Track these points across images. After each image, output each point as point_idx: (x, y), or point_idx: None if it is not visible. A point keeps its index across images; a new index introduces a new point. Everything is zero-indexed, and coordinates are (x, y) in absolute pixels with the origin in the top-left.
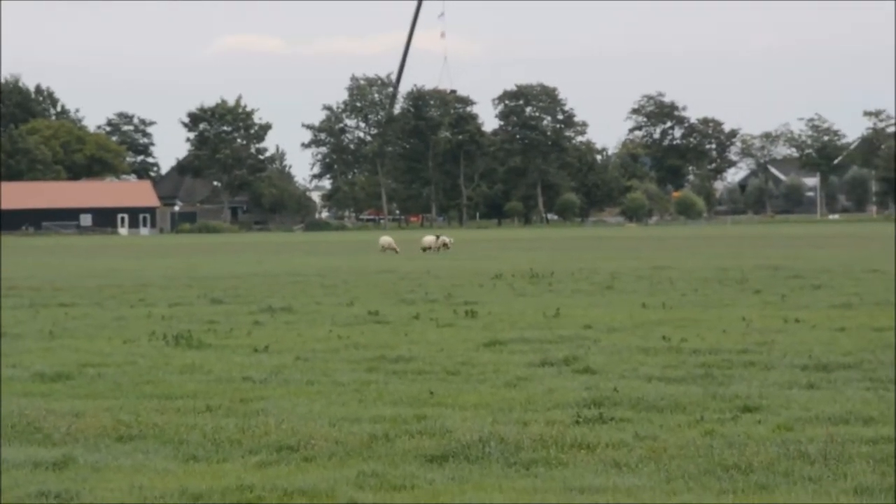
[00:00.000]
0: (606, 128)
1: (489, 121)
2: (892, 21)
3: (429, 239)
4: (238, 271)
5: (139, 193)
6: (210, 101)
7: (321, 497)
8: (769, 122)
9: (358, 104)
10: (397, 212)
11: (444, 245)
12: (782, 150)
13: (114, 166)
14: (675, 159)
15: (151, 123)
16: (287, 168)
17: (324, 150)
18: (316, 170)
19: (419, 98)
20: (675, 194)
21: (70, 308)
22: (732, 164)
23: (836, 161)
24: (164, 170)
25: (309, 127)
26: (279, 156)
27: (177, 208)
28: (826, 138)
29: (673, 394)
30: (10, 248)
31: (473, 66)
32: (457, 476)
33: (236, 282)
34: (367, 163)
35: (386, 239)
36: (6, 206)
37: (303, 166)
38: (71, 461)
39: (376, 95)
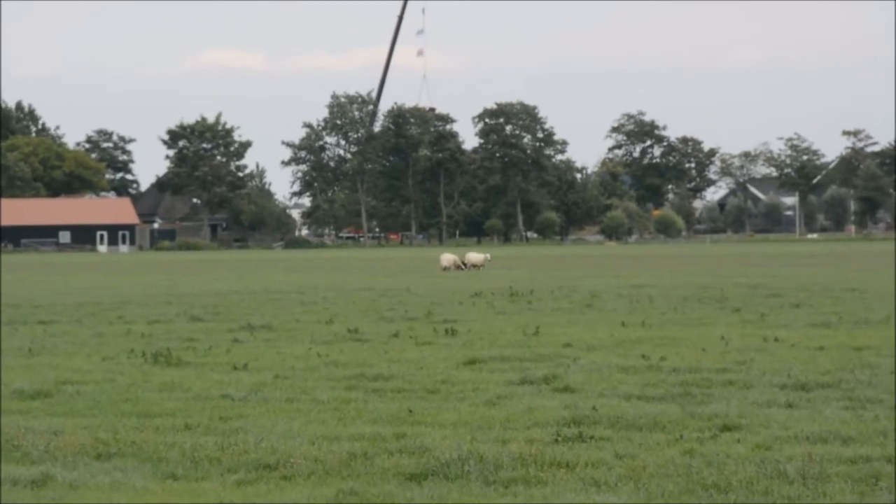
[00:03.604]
0: (586, 146)
1: (469, 139)
2: (869, 40)
3: (449, 258)
4: (217, 289)
5: (118, 211)
6: (190, 119)
7: None
8: (748, 141)
9: (338, 122)
10: (377, 230)
11: (472, 265)
12: (761, 170)
13: (93, 183)
14: (655, 178)
15: (131, 140)
16: (267, 185)
17: (304, 167)
18: (296, 187)
19: (399, 116)
20: (655, 213)
21: (49, 325)
22: (712, 182)
23: (814, 180)
24: (144, 187)
25: (289, 144)
26: (259, 173)
27: (156, 225)
28: (805, 158)
29: (652, 412)
30: None
31: (453, 84)
32: (436, 494)
33: (216, 299)
34: (347, 180)
35: (448, 257)
36: None
37: (283, 184)
38: (49, 479)
39: (356, 113)
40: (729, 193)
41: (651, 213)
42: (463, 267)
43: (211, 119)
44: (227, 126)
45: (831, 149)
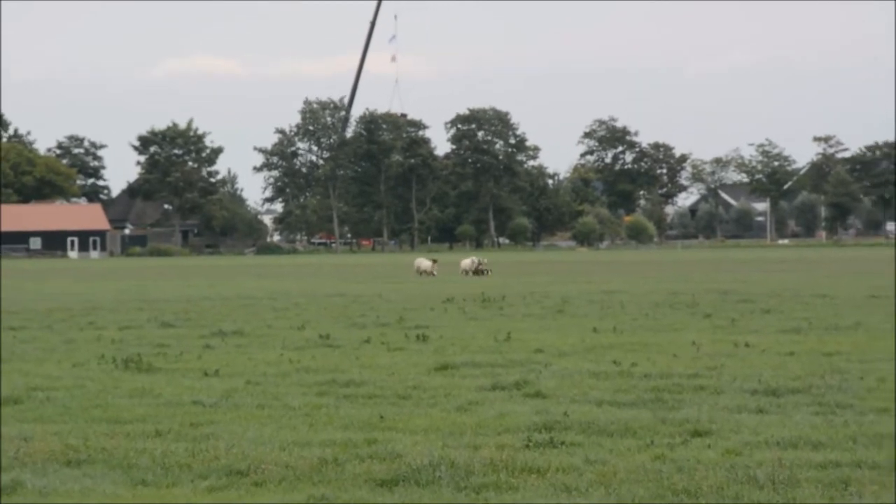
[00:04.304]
0: (558, 152)
1: (441, 144)
2: (841, 45)
3: (466, 262)
4: (189, 294)
5: (89, 216)
6: (161, 124)
7: None
8: (719, 147)
9: (310, 127)
10: (349, 235)
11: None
12: (732, 176)
13: (64, 189)
14: (627, 184)
15: (102, 146)
16: (239, 191)
17: (276, 173)
18: (268, 193)
19: (371, 122)
20: (627, 219)
21: (19, 331)
22: (683, 188)
23: (785, 186)
24: (115, 193)
25: (261, 150)
26: (231, 179)
27: (127, 231)
28: (776, 164)
29: (623, 418)
30: None
31: (425, 90)
32: (407, 500)
33: (187, 305)
34: (319, 186)
35: (425, 262)
36: None
37: (254, 190)
38: (19, 486)
39: (329, 119)
40: (700, 199)
41: (622, 219)
42: (480, 272)
43: (182, 125)
44: (199, 132)
45: (802, 155)
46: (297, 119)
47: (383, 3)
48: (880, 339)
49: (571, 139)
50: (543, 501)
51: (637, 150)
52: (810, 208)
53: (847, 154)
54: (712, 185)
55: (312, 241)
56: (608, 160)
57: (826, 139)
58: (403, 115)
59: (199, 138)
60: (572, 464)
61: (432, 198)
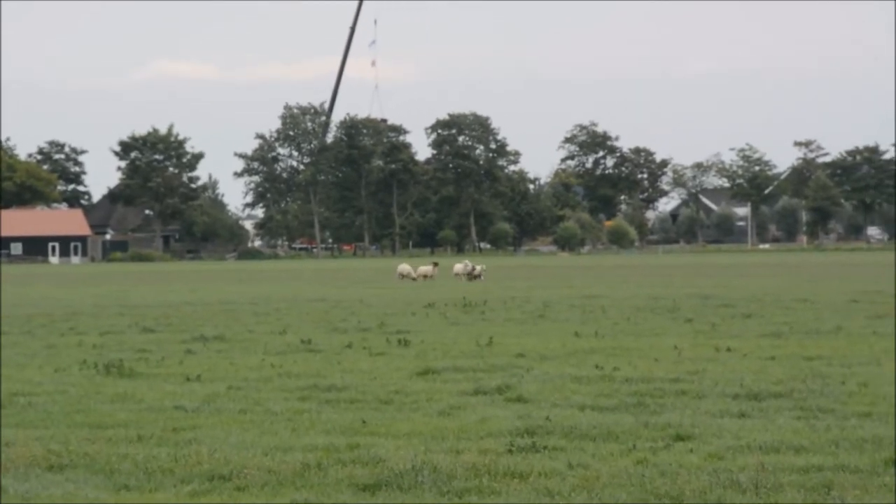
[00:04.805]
0: (539, 157)
1: (422, 150)
2: (820, 49)
3: (459, 267)
4: (170, 300)
5: (70, 222)
6: (142, 130)
7: None
8: (700, 152)
9: (291, 133)
10: (330, 240)
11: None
12: (713, 180)
13: (45, 195)
14: (608, 189)
15: (83, 152)
16: (219, 197)
17: (256, 178)
18: (249, 198)
19: (352, 127)
20: (608, 223)
21: None
22: (664, 193)
23: (766, 191)
24: (96, 198)
25: (241, 156)
26: (211, 184)
27: (108, 237)
28: (757, 168)
29: (605, 422)
30: None
31: (405, 95)
32: None
33: (168, 310)
34: (300, 191)
35: (405, 267)
36: None
37: (235, 195)
38: (1, 491)
39: (309, 124)
40: (681, 204)
41: (603, 224)
42: (473, 277)
43: (163, 130)
44: (180, 137)
45: (783, 159)
46: (278, 124)
47: (363, 7)
48: (861, 343)
49: (552, 144)
50: None
51: (618, 154)
52: (791, 213)
53: (828, 158)
54: (693, 190)
55: (293, 246)
56: (589, 165)
57: (807, 144)
58: (384, 121)
59: (180, 144)
60: (555, 468)
61: (413, 203)
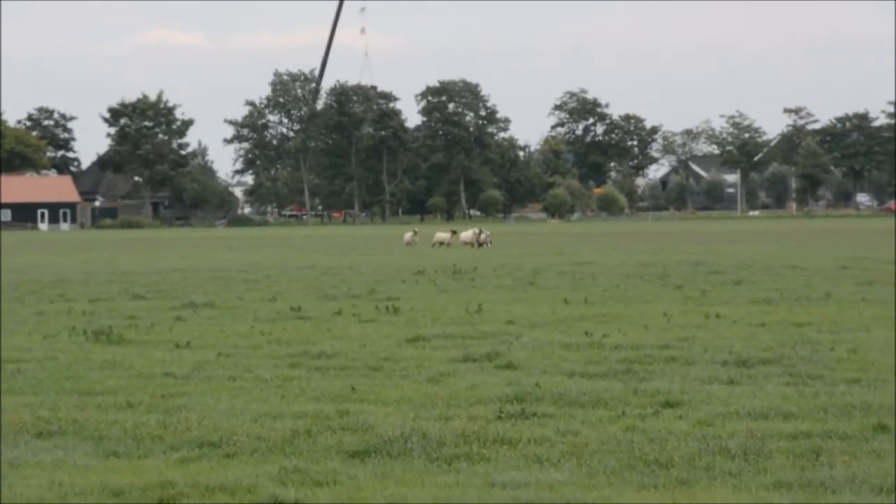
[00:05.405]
0: (529, 124)
1: (412, 117)
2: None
3: (442, 235)
4: (159, 267)
5: (59, 189)
6: (131, 97)
7: (243, 493)
8: (690, 119)
9: (281, 100)
10: (320, 207)
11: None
12: (703, 147)
13: (34, 161)
14: (597, 156)
15: (72, 118)
16: (209, 163)
17: (246, 145)
18: (238, 165)
19: (342, 94)
20: (597, 191)
21: None
22: (654, 160)
23: (756, 158)
24: (85, 165)
25: (231, 122)
26: (201, 151)
27: (97, 203)
28: (746, 135)
29: (594, 389)
30: None
31: (395, 62)
32: (379, 471)
33: (158, 277)
34: (290, 158)
35: (443, 235)
36: None
37: (225, 162)
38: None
39: (299, 91)
40: (671, 171)
41: (593, 191)
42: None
43: (153, 97)
44: (169, 104)
45: (772, 126)
46: (268, 91)
47: None
48: (850, 309)
49: (542, 111)
50: (515, 472)
51: (608, 122)
52: (781, 180)
53: (817, 126)
54: (683, 157)
55: (283, 213)
56: (579, 132)
57: (797, 111)
58: (374, 88)
59: (170, 111)
60: (544, 435)
61: (403, 170)
